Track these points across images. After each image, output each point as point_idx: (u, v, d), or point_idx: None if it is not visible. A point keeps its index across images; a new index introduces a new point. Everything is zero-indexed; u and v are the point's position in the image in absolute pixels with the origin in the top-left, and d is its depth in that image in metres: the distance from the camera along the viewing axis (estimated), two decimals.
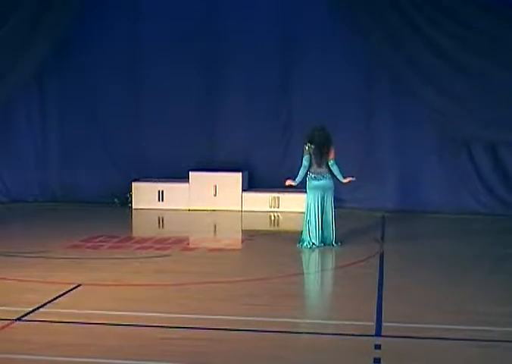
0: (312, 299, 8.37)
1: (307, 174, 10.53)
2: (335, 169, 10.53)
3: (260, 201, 14.12)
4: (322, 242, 10.50)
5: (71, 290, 8.05)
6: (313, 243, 10.46)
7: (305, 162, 10.48)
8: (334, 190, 10.64)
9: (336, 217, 10.60)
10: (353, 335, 6.56)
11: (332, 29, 13.86)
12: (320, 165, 10.47)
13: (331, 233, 10.54)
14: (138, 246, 10.73)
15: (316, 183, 10.51)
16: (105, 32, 14.64)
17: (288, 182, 10.65)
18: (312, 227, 10.50)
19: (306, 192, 10.66)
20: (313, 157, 10.45)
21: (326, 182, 10.51)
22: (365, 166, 14.18)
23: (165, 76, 14.58)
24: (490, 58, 12.96)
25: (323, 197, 10.51)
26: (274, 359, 6.03)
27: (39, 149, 15.21)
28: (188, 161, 14.50)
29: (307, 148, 10.47)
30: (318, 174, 10.49)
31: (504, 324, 6.88)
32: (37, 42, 13.94)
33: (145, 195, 14.40)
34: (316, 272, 9.67)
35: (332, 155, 10.47)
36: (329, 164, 10.48)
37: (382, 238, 11.48)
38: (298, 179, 10.56)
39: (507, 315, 7.21)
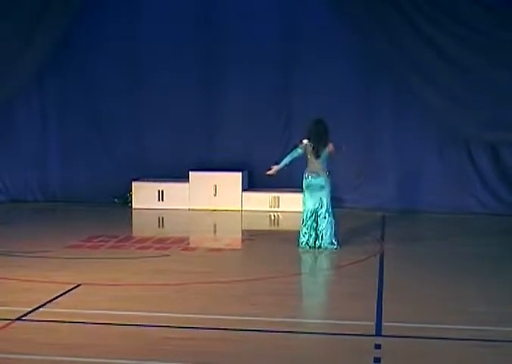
0: (312, 299, 8.36)
1: (291, 162, 10.50)
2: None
3: (260, 201, 14.12)
4: (317, 243, 10.40)
5: (71, 289, 8.05)
6: (307, 244, 10.42)
7: (299, 150, 10.39)
8: (331, 191, 10.46)
9: (335, 218, 10.49)
10: (353, 335, 6.56)
11: (332, 29, 13.86)
12: (317, 157, 10.28)
13: (328, 235, 10.38)
14: (138, 245, 10.73)
15: (309, 181, 10.39)
16: (105, 32, 14.65)
17: (271, 171, 10.64)
18: (306, 228, 10.45)
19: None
20: (309, 151, 10.32)
21: (319, 180, 10.36)
22: (365, 166, 14.22)
23: (165, 75, 14.59)
24: (490, 57, 12.97)
25: (318, 196, 10.35)
26: (274, 358, 6.03)
27: (39, 149, 15.22)
28: (188, 161, 14.53)
29: (304, 143, 10.39)
30: (312, 172, 10.37)
31: (504, 324, 6.89)
32: (37, 42, 13.96)
33: (145, 195, 14.41)
34: (316, 272, 9.67)
35: (331, 148, 10.33)
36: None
37: (382, 238, 11.48)
38: (282, 164, 10.54)
39: (507, 314, 7.21)
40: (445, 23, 13.07)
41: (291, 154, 10.52)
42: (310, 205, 10.39)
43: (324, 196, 10.38)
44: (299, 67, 14.27)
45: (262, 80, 14.41)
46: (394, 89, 13.94)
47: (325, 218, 10.36)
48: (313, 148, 10.31)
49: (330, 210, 10.41)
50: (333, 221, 10.43)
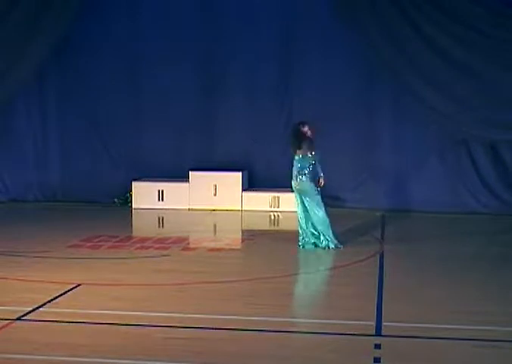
0: (312, 299, 8.36)
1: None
2: (317, 166, 10.40)
3: (260, 200, 14.13)
4: (319, 243, 10.43)
5: (71, 289, 8.05)
6: (307, 245, 10.43)
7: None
8: (319, 193, 10.39)
9: (329, 218, 10.41)
10: (353, 335, 6.56)
11: (333, 29, 13.86)
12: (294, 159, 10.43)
13: (324, 236, 10.38)
14: (138, 246, 10.73)
15: (293, 185, 10.45)
16: (105, 32, 14.65)
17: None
18: (303, 229, 10.47)
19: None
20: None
21: (297, 184, 10.37)
22: (365, 166, 14.20)
23: (165, 75, 14.59)
24: (490, 57, 12.97)
25: (302, 199, 10.40)
26: (274, 358, 6.03)
27: (39, 149, 15.22)
28: (188, 161, 14.53)
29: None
30: (295, 175, 10.41)
31: (504, 323, 6.89)
32: (37, 42, 13.96)
33: (145, 195, 14.41)
34: (316, 272, 9.66)
35: (306, 152, 10.33)
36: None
37: (382, 238, 11.48)
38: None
39: (507, 314, 7.22)
40: (445, 23, 13.06)
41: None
42: (298, 206, 10.47)
43: (307, 199, 10.37)
44: (299, 67, 14.26)
45: (262, 79, 14.41)
46: (394, 89, 13.93)
47: (315, 220, 10.35)
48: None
49: (319, 210, 10.32)
50: (328, 220, 10.40)
